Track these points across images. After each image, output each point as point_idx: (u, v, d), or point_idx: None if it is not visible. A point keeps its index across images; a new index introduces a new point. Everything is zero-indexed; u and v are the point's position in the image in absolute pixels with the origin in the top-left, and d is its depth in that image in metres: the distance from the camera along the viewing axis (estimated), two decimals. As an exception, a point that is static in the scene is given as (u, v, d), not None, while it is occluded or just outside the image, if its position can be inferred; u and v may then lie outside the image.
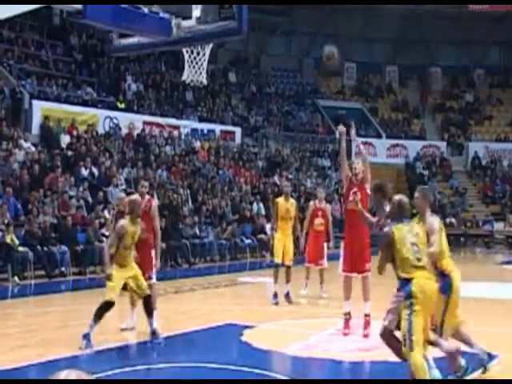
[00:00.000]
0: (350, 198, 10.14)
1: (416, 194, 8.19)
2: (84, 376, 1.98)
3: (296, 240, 14.82)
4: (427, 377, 6.82)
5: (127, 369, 8.28)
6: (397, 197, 7.50)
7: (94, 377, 2.00)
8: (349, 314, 10.44)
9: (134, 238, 9.70)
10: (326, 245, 14.89)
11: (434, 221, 7.92)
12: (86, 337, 9.25)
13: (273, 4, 35.46)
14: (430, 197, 8.61)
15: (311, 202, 15.50)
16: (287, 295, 13.75)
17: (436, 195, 36.72)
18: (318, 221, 14.77)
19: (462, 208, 36.17)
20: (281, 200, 14.15)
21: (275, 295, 13.61)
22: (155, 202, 11.02)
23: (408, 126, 41.85)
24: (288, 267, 13.77)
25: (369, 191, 10.03)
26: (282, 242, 13.83)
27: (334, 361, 9.09)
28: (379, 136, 39.95)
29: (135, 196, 10.36)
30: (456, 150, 40.18)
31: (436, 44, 41.65)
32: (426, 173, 37.85)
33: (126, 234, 9.57)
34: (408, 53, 42.18)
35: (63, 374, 1.98)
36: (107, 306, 9.41)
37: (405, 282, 6.97)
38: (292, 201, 14.21)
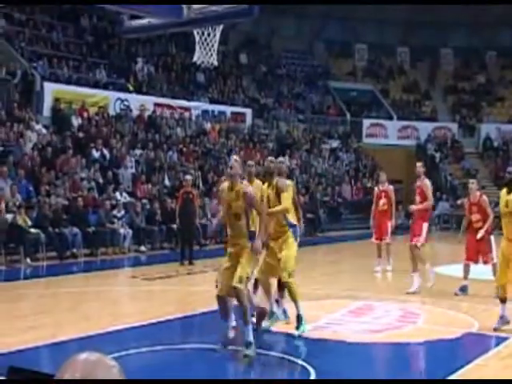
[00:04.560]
0: None
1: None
2: (104, 359, 1.95)
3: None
4: None
5: (132, 351, 8.34)
6: None
7: (111, 357, 1.98)
8: None
9: None
10: (389, 222, 16.51)
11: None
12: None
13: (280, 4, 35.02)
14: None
15: (375, 187, 17.73)
16: None
17: (447, 177, 36.67)
18: (382, 202, 16.54)
19: (473, 190, 36.00)
20: None
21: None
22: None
23: (419, 108, 41.66)
24: None
25: None
26: None
27: (344, 342, 9.12)
28: (390, 117, 39.78)
29: None
30: (467, 131, 39.94)
31: (448, 25, 41.32)
32: (437, 154, 37.64)
33: None
34: (419, 34, 41.88)
35: (83, 357, 1.94)
36: None
37: None
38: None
